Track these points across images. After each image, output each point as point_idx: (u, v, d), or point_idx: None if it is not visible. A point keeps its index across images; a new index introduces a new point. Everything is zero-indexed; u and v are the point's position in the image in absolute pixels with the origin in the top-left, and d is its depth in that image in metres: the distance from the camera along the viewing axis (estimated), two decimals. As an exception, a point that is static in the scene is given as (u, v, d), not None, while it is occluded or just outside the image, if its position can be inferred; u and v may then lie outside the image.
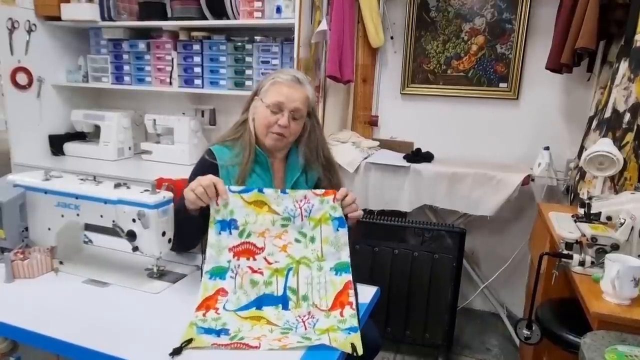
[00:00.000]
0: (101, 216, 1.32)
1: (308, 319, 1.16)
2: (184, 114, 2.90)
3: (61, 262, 1.39)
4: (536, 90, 2.59)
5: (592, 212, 1.59)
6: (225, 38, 2.65)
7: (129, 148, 2.93)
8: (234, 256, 1.22)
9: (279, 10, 2.37)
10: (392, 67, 2.84)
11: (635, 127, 1.85)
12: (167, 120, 2.79)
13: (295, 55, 2.36)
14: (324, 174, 1.52)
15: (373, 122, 2.90)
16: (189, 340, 1.01)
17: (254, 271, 1.22)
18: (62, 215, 1.36)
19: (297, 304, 1.20)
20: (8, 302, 1.19)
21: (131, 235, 1.27)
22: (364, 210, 2.53)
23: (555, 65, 2.29)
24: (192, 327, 1.07)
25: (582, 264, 1.48)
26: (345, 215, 1.28)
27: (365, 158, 2.53)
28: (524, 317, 1.64)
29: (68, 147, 2.94)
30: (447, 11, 2.67)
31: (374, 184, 2.49)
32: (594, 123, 2.14)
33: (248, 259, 1.22)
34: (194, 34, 2.71)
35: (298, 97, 1.43)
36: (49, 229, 1.39)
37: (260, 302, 1.19)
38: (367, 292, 1.32)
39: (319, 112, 2.53)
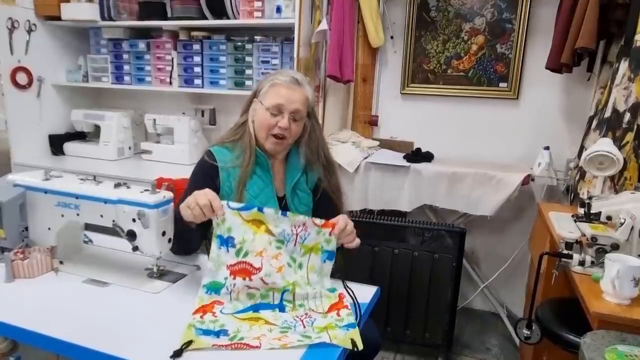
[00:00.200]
0: (101, 216, 1.31)
1: (305, 318, 1.17)
2: (184, 113, 2.90)
3: (61, 262, 1.39)
4: (536, 90, 2.59)
5: (592, 211, 1.59)
6: (225, 38, 2.64)
7: (129, 148, 2.93)
8: (230, 274, 1.21)
9: (279, 10, 2.37)
10: (392, 66, 2.84)
11: (635, 127, 1.85)
12: (167, 120, 2.79)
13: (295, 55, 2.36)
14: (324, 174, 1.52)
15: (373, 122, 2.90)
16: (189, 342, 1.01)
17: (250, 288, 1.21)
18: (62, 215, 1.36)
19: (293, 308, 1.21)
20: (8, 302, 1.19)
21: (131, 235, 1.27)
22: (364, 210, 2.53)
23: (555, 65, 2.29)
24: (190, 328, 1.07)
25: (582, 263, 1.48)
26: (341, 245, 1.30)
27: (365, 158, 2.53)
28: (524, 316, 1.64)
29: (68, 146, 2.94)
30: (447, 11, 2.67)
31: (374, 184, 2.49)
32: (594, 123, 2.14)
33: (244, 279, 1.20)
34: (194, 33, 2.71)
35: (297, 98, 1.43)
36: (49, 228, 1.39)
37: (257, 307, 1.19)
38: (367, 292, 1.31)
39: (319, 112, 2.54)
